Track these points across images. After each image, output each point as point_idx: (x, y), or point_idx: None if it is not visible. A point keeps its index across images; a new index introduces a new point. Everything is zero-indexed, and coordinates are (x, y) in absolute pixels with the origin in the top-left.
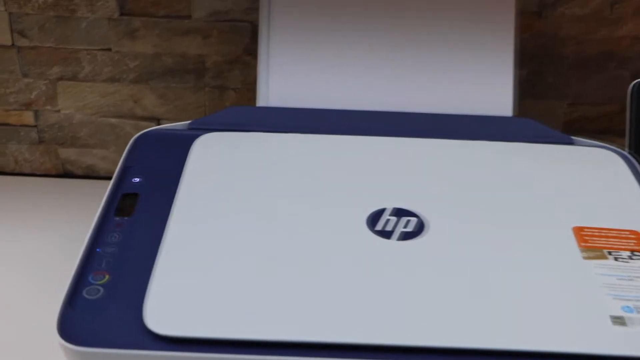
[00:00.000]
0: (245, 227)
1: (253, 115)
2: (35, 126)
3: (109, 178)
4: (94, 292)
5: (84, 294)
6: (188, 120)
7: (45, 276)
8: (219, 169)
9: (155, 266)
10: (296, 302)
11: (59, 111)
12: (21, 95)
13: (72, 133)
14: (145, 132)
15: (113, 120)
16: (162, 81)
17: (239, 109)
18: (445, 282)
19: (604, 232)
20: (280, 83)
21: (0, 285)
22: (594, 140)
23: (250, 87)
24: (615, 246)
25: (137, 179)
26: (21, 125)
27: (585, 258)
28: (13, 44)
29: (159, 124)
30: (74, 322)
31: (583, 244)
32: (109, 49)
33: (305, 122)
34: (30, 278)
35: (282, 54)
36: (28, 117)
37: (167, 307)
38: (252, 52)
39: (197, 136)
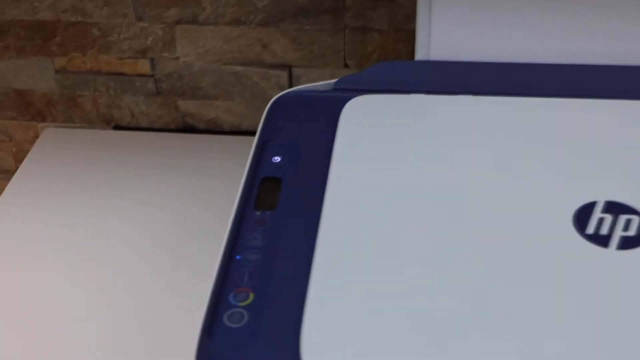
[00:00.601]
0: (417, 225)
1: (412, 71)
2: (152, 76)
3: (234, 133)
4: (237, 318)
5: (225, 320)
6: (324, 68)
7: (164, 246)
8: (377, 143)
9: (310, 280)
10: (491, 333)
11: (177, 59)
12: (135, 42)
13: (192, 83)
14: (282, 96)
15: (238, 68)
16: (295, 22)
17: (394, 64)
18: None
19: None
20: (445, 31)
21: (123, 251)
22: None
23: (398, 29)
24: None
25: (278, 158)
26: (136, 75)
27: None
28: None
29: (290, 73)
30: (215, 357)
31: None
32: None
33: (477, 80)
34: (148, 248)
35: None
36: (144, 66)
37: (330, 338)
38: None
39: (345, 99)
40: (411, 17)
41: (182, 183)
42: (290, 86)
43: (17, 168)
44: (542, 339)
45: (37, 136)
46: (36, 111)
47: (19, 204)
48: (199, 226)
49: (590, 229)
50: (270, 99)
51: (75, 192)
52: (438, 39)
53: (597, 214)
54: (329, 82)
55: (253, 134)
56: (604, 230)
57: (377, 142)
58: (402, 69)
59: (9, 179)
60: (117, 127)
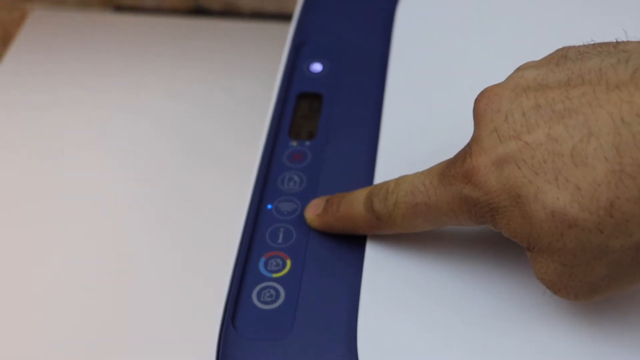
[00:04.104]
0: None
1: None
2: None
3: (255, 16)
4: (270, 295)
5: (255, 298)
6: None
7: (180, 142)
8: (444, 47)
9: (365, 251)
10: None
11: None
12: None
13: None
14: None
15: None
16: None
17: None
18: None
19: None
20: None
21: (124, 158)
22: None
23: None
24: None
25: (318, 67)
26: None
27: None
28: None
29: None
30: (240, 355)
31: None
32: None
33: None
34: (162, 149)
35: None
36: None
37: (387, 335)
38: None
39: None
40: None
41: (193, 79)
42: None
43: (1, 54)
44: None
45: (23, 17)
46: None
47: (3, 101)
48: (211, 139)
49: None
50: None
51: (69, 86)
52: None
53: None
54: None
55: (278, 19)
56: None
57: (445, 43)
58: None
59: None
60: (119, 8)
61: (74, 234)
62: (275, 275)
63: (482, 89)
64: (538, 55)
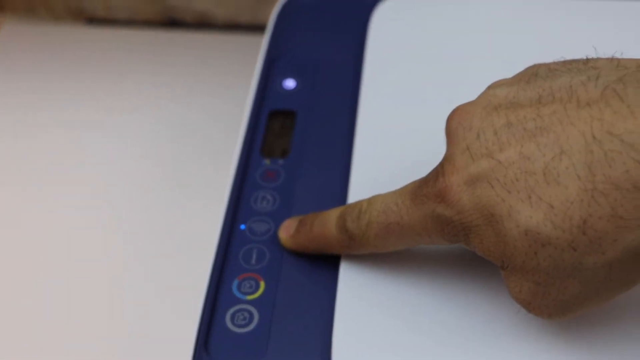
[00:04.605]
0: None
1: None
2: None
3: (229, 28)
4: (244, 318)
5: (228, 321)
6: None
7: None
8: (419, 60)
9: (339, 273)
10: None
11: None
12: None
13: None
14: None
15: None
16: None
17: None
18: None
19: None
20: None
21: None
22: None
23: None
24: None
25: (292, 83)
26: None
27: None
28: None
29: None
30: None
31: None
32: None
33: None
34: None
35: None
36: None
37: (365, 350)
38: None
39: (372, 4)
40: None
41: (166, 93)
42: None
43: None
44: None
45: None
46: None
47: None
48: (181, 154)
49: None
50: None
51: (40, 101)
52: None
53: None
54: None
55: (252, 30)
56: None
57: (419, 59)
58: None
59: None
60: (91, 21)
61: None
62: (249, 297)
63: (455, 106)
64: (511, 72)
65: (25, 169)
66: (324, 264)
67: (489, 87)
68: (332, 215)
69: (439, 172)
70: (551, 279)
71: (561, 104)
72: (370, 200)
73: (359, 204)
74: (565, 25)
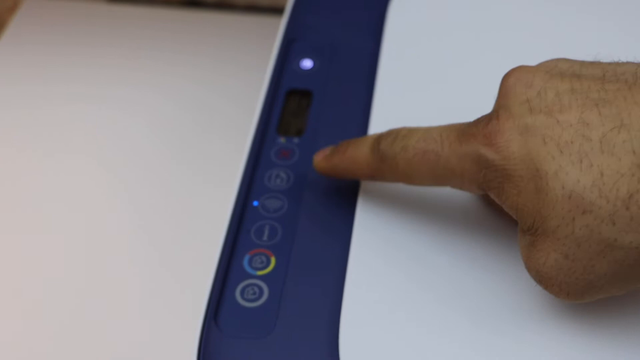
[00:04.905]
0: None
1: None
2: None
3: (249, 10)
4: (253, 292)
5: (238, 296)
6: None
7: (169, 143)
8: (437, 46)
9: (353, 233)
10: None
11: None
12: None
13: None
14: None
15: None
16: None
17: None
18: None
19: None
20: None
21: (120, 149)
22: None
23: None
24: None
25: (309, 63)
26: None
27: None
28: None
29: None
30: (222, 352)
31: None
32: None
33: None
34: (149, 144)
35: None
36: None
37: (371, 334)
38: None
39: None
40: None
41: (185, 72)
42: None
43: None
44: None
45: (16, 5)
46: None
47: None
48: (199, 132)
49: None
50: None
51: (60, 77)
52: None
53: None
54: None
55: (272, 12)
56: None
57: (437, 41)
58: None
59: None
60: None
61: (63, 227)
62: (259, 272)
63: (472, 87)
64: (532, 57)
65: (44, 143)
66: (334, 242)
67: (549, 60)
68: (368, 138)
69: (492, 116)
70: (581, 252)
71: (626, 84)
72: (412, 129)
73: (398, 130)
74: (583, 18)
